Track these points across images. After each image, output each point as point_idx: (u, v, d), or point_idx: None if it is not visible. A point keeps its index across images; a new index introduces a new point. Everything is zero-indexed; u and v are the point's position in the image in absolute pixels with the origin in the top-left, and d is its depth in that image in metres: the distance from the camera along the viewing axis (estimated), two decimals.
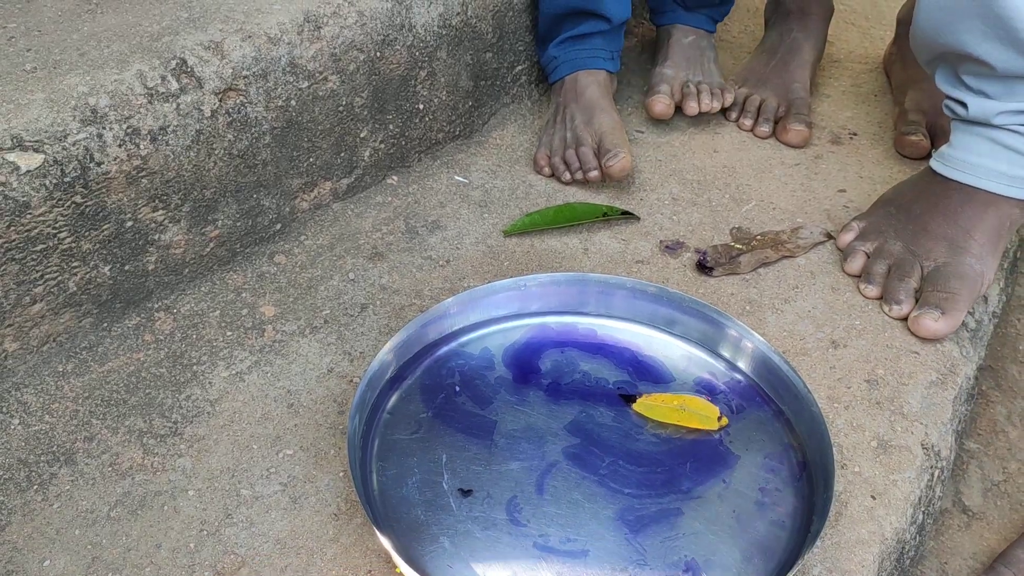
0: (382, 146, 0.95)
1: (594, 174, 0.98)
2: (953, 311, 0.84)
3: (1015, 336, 1.16)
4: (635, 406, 0.74)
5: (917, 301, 0.86)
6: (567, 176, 1.00)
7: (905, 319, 0.86)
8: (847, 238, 0.94)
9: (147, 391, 0.74)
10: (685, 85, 1.11)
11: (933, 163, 0.90)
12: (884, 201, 0.95)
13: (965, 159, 0.87)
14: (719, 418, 0.73)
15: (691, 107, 1.08)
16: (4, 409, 0.71)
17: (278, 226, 0.88)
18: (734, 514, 0.66)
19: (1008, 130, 0.84)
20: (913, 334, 0.85)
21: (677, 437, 0.72)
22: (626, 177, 0.98)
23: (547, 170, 1.02)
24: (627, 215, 0.96)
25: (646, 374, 0.77)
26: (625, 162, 0.96)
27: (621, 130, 1.01)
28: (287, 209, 0.89)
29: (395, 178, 0.99)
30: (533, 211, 0.95)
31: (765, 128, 1.12)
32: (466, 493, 0.67)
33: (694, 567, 0.63)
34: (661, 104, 1.08)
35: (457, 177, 1.01)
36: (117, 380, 0.75)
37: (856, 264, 0.91)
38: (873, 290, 0.89)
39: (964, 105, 0.86)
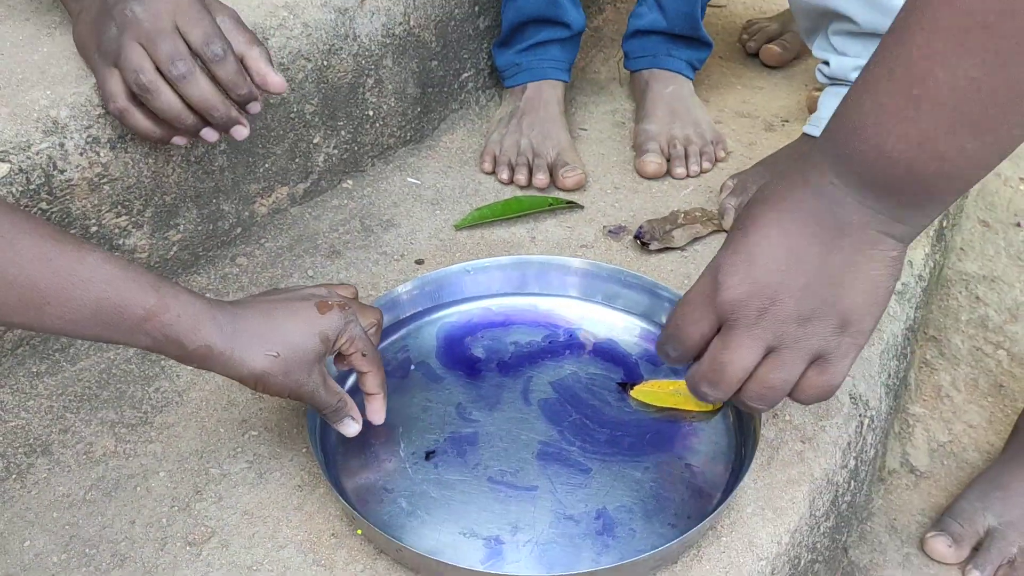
0: (335, 151, 1.00)
1: (541, 177, 1.03)
2: None
3: (956, 308, 1.22)
4: (633, 392, 0.77)
5: None
6: (506, 175, 1.05)
7: None
8: (721, 196, 1.00)
9: (118, 386, 0.78)
10: (672, 143, 1.08)
11: (804, 127, 0.97)
12: (759, 162, 1.02)
13: (827, 118, 0.93)
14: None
15: (679, 172, 1.07)
16: None
17: (238, 230, 0.93)
18: (666, 469, 0.71)
19: None
20: None
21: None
22: (578, 190, 1.04)
23: (489, 166, 1.07)
24: (572, 204, 1.01)
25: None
26: (581, 177, 1.03)
27: (575, 148, 1.08)
28: (246, 213, 0.93)
29: (350, 182, 1.04)
30: (482, 205, 1.01)
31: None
32: (427, 456, 0.71)
33: (605, 515, 0.67)
34: (653, 165, 1.06)
35: (410, 179, 1.06)
36: (89, 377, 0.79)
37: (729, 220, 0.98)
38: None
39: (828, 64, 0.94)
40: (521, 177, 1.04)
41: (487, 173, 1.08)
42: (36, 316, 0.54)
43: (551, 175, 1.04)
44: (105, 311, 0.55)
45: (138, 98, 0.71)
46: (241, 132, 0.74)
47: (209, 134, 0.74)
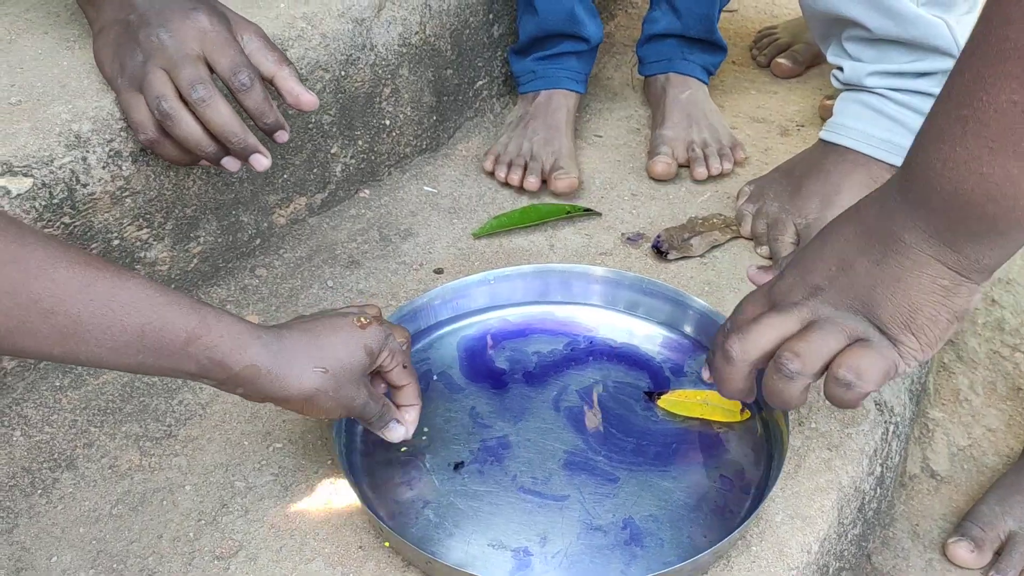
0: (352, 161, 1.00)
1: (532, 179, 1.03)
2: None
3: (973, 311, 1.21)
4: (659, 402, 0.77)
5: None
6: (502, 174, 1.05)
7: None
8: (739, 202, 1.00)
9: (141, 399, 0.78)
10: (691, 147, 1.08)
11: (820, 133, 0.97)
12: (776, 168, 1.02)
13: (843, 123, 0.94)
14: (741, 411, 0.76)
15: (700, 172, 1.06)
16: (6, 423, 0.75)
17: (257, 241, 0.93)
18: (693, 478, 0.71)
19: (877, 93, 0.92)
20: None
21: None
22: (570, 194, 1.03)
23: (490, 166, 1.07)
24: (589, 212, 1.01)
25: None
26: (572, 181, 1.02)
27: (574, 156, 1.07)
28: (265, 224, 0.93)
29: (367, 191, 1.04)
30: (500, 214, 1.01)
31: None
32: (456, 468, 0.71)
33: (632, 525, 0.67)
34: (662, 164, 1.05)
35: (426, 187, 1.06)
36: (112, 391, 0.79)
37: (747, 226, 0.98)
38: (765, 249, 0.96)
39: (842, 70, 0.94)
40: (515, 177, 1.04)
41: (488, 173, 1.07)
42: (76, 345, 0.52)
43: (546, 181, 1.04)
44: (147, 336, 0.54)
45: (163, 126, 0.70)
46: (261, 162, 0.72)
47: (230, 163, 0.73)
